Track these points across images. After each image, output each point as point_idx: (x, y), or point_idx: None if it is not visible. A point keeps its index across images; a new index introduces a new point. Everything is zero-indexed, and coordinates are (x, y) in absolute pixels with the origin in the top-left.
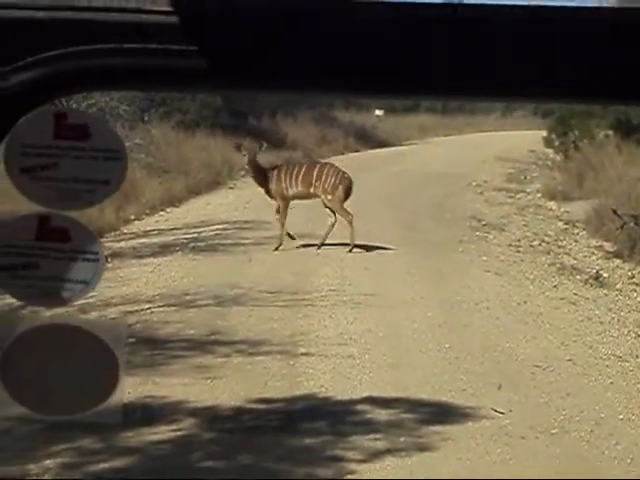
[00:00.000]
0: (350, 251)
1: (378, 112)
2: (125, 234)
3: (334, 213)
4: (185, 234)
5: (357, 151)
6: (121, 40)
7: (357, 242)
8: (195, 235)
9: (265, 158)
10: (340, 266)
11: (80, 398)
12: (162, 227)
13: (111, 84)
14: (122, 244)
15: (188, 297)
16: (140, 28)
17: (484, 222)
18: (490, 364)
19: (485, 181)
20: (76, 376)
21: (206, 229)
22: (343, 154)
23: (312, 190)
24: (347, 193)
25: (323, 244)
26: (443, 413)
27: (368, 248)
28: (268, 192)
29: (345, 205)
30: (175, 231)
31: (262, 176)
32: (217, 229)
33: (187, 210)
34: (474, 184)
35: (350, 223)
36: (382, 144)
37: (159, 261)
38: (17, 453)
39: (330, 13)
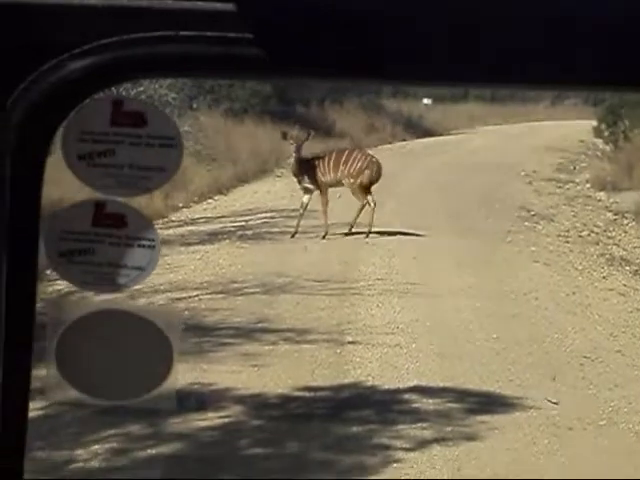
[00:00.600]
0: (367, 236)
1: (426, 101)
2: (173, 222)
3: (365, 200)
4: (232, 222)
5: (404, 140)
6: (177, 27)
7: (406, 231)
8: (242, 223)
9: (312, 147)
10: (388, 255)
11: (134, 384)
12: (210, 215)
13: (167, 71)
14: (170, 231)
15: (235, 285)
16: (196, 15)
17: (533, 212)
18: (538, 355)
19: (534, 171)
20: (130, 362)
21: (253, 217)
22: (390, 143)
23: (339, 175)
24: (373, 178)
25: (370, 232)
26: (490, 403)
27: (416, 237)
28: (313, 182)
29: (394, 195)
30: (223, 219)
31: (306, 166)
32: (264, 217)
33: (235, 198)
34: (523, 174)
35: (373, 210)
36: (430, 133)
37: (207, 249)
38: (66, 438)
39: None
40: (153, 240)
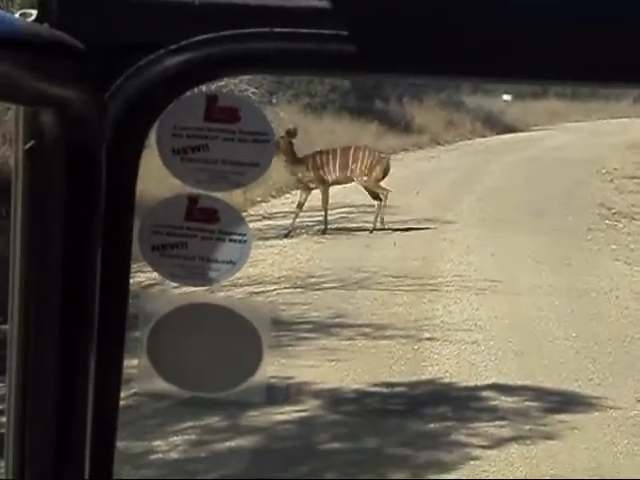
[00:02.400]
0: (371, 232)
1: (506, 97)
2: (252, 215)
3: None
4: (310, 217)
5: (484, 136)
6: (271, 24)
7: (484, 228)
8: (320, 218)
9: (391, 142)
10: (466, 252)
11: (224, 377)
12: (288, 210)
13: (261, 68)
14: (249, 226)
15: (313, 279)
16: (291, 12)
17: (614, 210)
18: (618, 354)
19: (615, 168)
20: (221, 355)
21: (331, 212)
22: (470, 139)
23: (349, 174)
24: (384, 173)
25: (375, 228)
26: (569, 402)
27: (495, 234)
28: (316, 180)
29: (473, 192)
30: (301, 214)
31: (306, 164)
32: (342, 212)
33: (313, 193)
34: (604, 171)
35: (380, 205)
36: (509, 129)
37: (285, 243)
38: (145, 429)
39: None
40: (244, 235)
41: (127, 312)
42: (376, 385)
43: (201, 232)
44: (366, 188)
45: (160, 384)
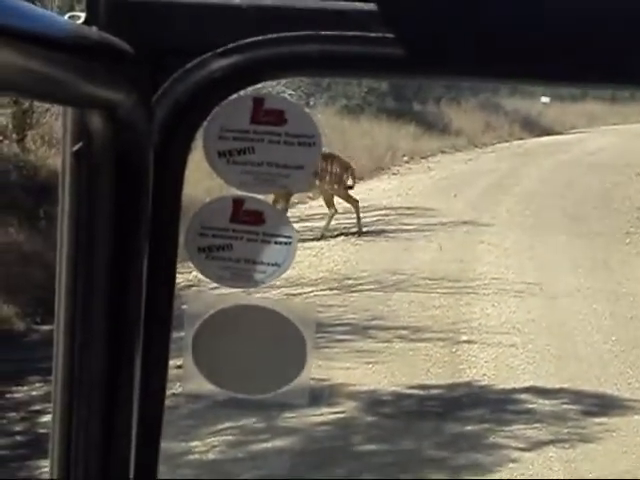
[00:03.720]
0: (359, 236)
1: (544, 99)
2: (289, 217)
3: (331, 204)
4: (347, 219)
5: (522, 139)
6: (318, 27)
7: (522, 231)
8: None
9: (428, 144)
10: (504, 254)
11: (268, 379)
12: (325, 211)
13: (307, 70)
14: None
15: (350, 281)
16: (337, 15)
17: None
18: None
19: None
20: (265, 357)
21: (368, 214)
22: (507, 141)
23: (318, 182)
24: (354, 182)
25: (323, 235)
26: (607, 405)
27: (532, 237)
28: None
29: (511, 194)
30: (338, 216)
31: None
32: (379, 215)
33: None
34: None
35: (357, 209)
36: (547, 132)
37: (321, 245)
38: (183, 430)
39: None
40: (290, 237)
41: (172, 313)
42: (413, 387)
43: (247, 234)
44: (338, 197)
45: (204, 385)
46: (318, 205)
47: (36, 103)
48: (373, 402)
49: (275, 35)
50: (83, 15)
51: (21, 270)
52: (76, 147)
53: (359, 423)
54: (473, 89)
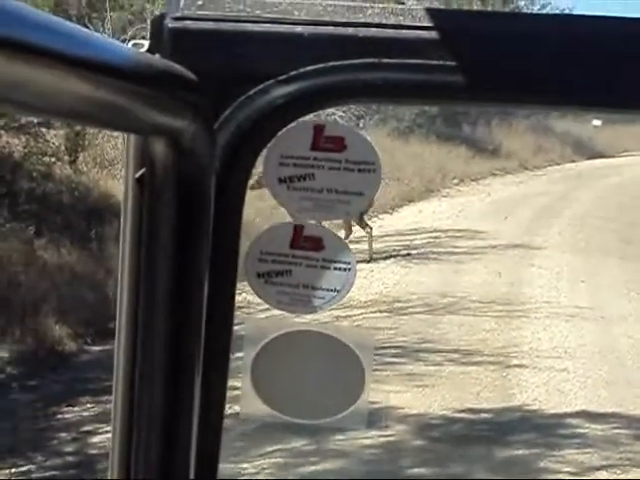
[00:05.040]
0: (369, 262)
1: (596, 122)
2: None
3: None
4: (397, 241)
5: (573, 161)
6: (379, 55)
7: (573, 254)
8: (407, 243)
9: (479, 167)
10: (555, 278)
11: (327, 403)
12: (375, 234)
13: (369, 98)
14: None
15: (400, 304)
16: (398, 43)
17: None
18: None
19: None
20: (323, 381)
21: (418, 237)
22: (559, 164)
23: None
24: (368, 206)
25: (372, 258)
26: None
27: (584, 260)
28: None
29: (562, 217)
30: (387, 238)
31: None
32: (429, 237)
33: (400, 217)
34: None
35: (370, 236)
36: (599, 155)
37: (371, 267)
38: (233, 451)
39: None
40: (349, 263)
41: (232, 337)
42: (463, 411)
43: (306, 260)
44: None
45: (262, 409)
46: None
47: None
48: (423, 426)
49: (337, 63)
50: (146, 43)
51: (72, 291)
52: (139, 173)
53: (408, 447)
54: (524, 112)
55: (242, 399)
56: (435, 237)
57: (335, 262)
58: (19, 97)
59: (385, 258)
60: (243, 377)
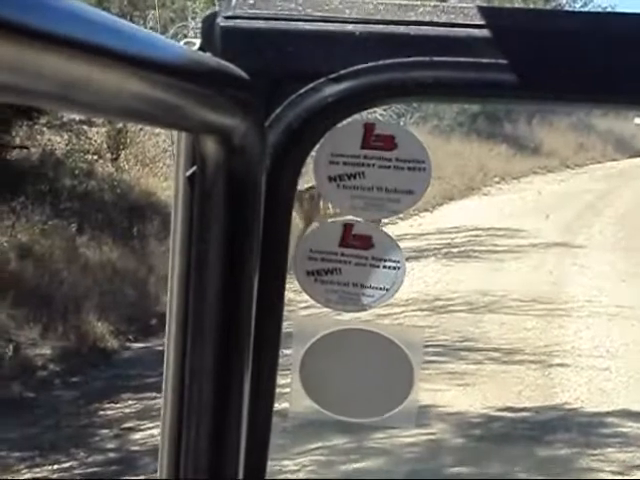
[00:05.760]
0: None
1: (638, 120)
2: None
3: None
4: (438, 239)
5: (615, 160)
6: (430, 53)
7: (615, 253)
8: (448, 241)
9: (520, 165)
10: (597, 277)
11: (375, 402)
12: (416, 232)
13: (420, 96)
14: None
15: (441, 302)
16: (450, 42)
17: None
18: None
19: None
20: (372, 380)
21: (459, 235)
22: (600, 162)
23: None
24: None
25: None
26: None
27: (626, 259)
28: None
29: (604, 216)
30: (428, 236)
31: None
32: (470, 235)
33: (440, 215)
34: None
35: None
36: None
37: (412, 265)
38: (274, 448)
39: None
40: (398, 262)
41: (281, 334)
42: (504, 410)
43: (355, 258)
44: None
45: (311, 407)
46: (408, 225)
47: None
48: (464, 424)
49: (388, 61)
50: (198, 42)
51: (114, 288)
52: (190, 172)
53: (449, 445)
54: (566, 110)
55: (291, 397)
56: (476, 235)
57: (384, 261)
58: (78, 96)
59: (426, 256)
60: (292, 375)
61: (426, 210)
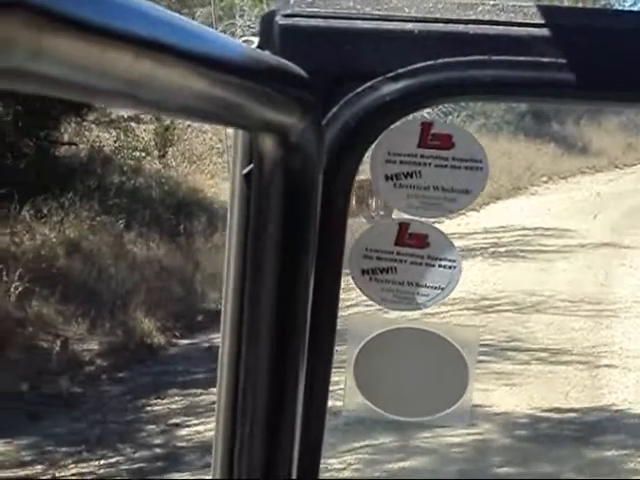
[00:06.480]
0: None
1: None
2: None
3: None
4: (485, 239)
5: None
6: (489, 52)
7: None
8: (495, 240)
9: (568, 165)
10: None
11: (429, 401)
12: (462, 231)
13: (478, 95)
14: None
15: (487, 302)
16: (508, 40)
17: None
18: None
19: None
20: (426, 379)
21: (506, 235)
22: None
23: (364, 207)
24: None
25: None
26: None
27: None
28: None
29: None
30: (475, 235)
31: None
32: (517, 235)
33: (487, 215)
34: None
35: None
36: None
37: None
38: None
39: None
40: (454, 261)
41: (336, 332)
42: (551, 411)
43: (411, 257)
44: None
45: (364, 405)
46: (455, 224)
47: (177, 120)
48: (510, 425)
49: (446, 60)
50: (256, 40)
51: (161, 285)
52: (246, 169)
53: (496, 446)
54: (615, 109)
55: (345, 395)
56: (523, 235)
57: (440, 260)
58: (141, 94)
59: (473, 256)
60: (346, 373)
61: (473, 209)
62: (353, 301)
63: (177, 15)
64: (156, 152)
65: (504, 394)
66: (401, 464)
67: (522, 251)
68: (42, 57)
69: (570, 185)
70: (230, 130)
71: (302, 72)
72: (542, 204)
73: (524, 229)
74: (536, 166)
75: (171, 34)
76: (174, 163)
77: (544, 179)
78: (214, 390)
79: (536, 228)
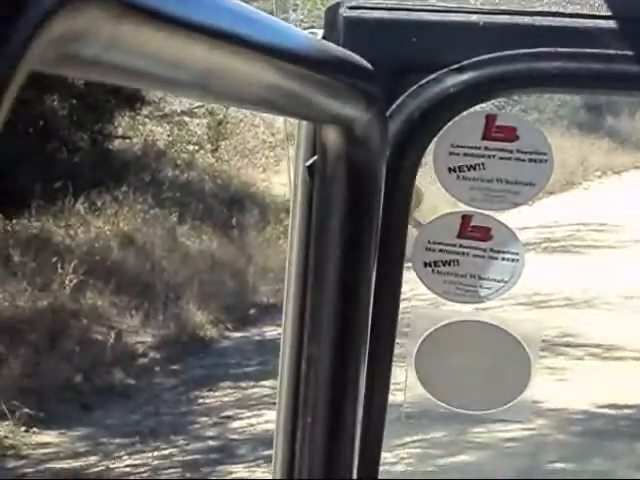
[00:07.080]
0: None
1: None
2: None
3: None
4: (538, 233)
5: None
6: (554, 44)
7: None
8: (548, 235)
9: (622, 159)
10: None
11: (491, 395)
12: (514, 225)
13: (543, 87)
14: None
15: (540, 297)
16: (575, 32)
17: None
18: None
19: None
20: (488, 373)
21: (559, 229)
22: None
23: None
24: (417, 204)
25: None
26: None
27: None
28: None
29: None
30: (527, 230)
31: None
32: (570, 230)
33: (540, 209)
34: None
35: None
36: None
37: None
38: None
39: None
40: (517, 254)
41: (397, 323)
42: (605, 407)
43: (473, 250)
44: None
45: (425, 398)
46: (505, 219)
47: (230, 114)
48: (564, 420)
49: (512, 52)
50: (321, 32)
51: (214, 278)
52: (310, 161)
53: (549, 441)
54: None
55: (407, 389)
56: (576, 230)
57: (503, 252)
58: (214, 86)
59: (525, 250)
60: (407, 367)
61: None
62: (406, 294)
63: (248, 6)
64: (209, 146)
65: (557, 389)
66: (453, 459)
67: (575, 246)
68: (118, 48)
69: (624, 180)
70: (281, 123)
71: (367, 64)
72: (595, 199)
73: (577, 224)
74: (590, 161)
75: (244, 25)
76: (227, 157)
77: (598, 174)
78: (266, 383)
79: (589, 223)
